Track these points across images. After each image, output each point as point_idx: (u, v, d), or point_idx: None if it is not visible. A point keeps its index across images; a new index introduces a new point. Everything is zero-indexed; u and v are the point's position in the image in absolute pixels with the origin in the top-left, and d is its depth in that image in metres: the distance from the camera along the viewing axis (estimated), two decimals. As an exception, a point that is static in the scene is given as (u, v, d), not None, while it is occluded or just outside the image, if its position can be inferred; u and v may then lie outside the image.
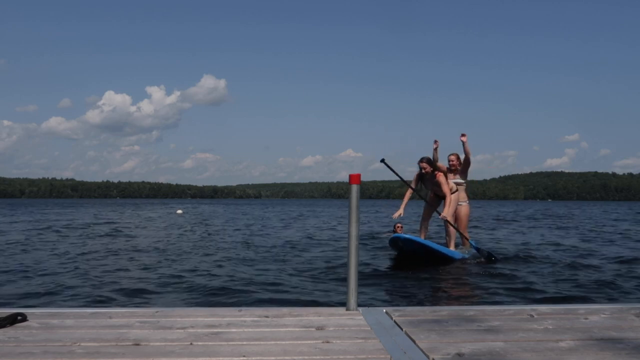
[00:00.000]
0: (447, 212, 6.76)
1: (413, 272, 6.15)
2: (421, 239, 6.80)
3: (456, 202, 7.19)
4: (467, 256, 6.91)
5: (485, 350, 1.86)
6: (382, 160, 6.93)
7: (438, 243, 7.13)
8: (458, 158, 7.56)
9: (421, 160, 6.98)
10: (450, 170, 7.59)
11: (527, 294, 4.80)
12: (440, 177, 6.88)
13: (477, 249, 7.07)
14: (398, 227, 10.62)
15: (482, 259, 6.78)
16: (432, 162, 6.94)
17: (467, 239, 7.51)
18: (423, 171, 6.99)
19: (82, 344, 1.93)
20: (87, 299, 4.67)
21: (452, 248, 6.97)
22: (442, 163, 7.70)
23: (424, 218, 7.40)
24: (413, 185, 7.10)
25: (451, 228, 7.11)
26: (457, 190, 7.20)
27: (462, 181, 7.53)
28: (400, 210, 6.94)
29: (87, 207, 41.68)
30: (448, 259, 6.67)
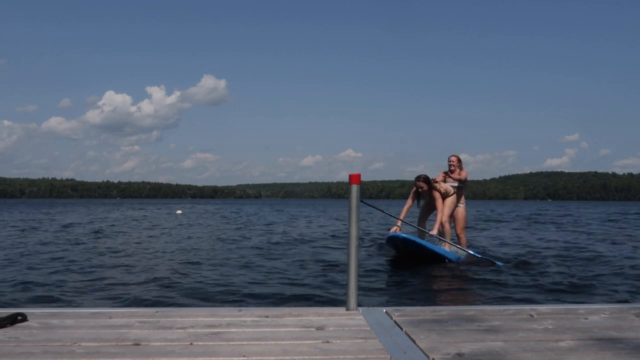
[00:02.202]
0: (436, 229, 6.89)
1: (412, 272, 6.16)
2: (418, 238, 6.84)
3: (453, 204, 7.23)
4: (462, 258, 6.91)
5: (485, 350, 1.86)
6: (362, 201, 7.46)
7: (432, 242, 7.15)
8: (459, 160, 7.58)
9: (418, 179, 7.11)
10: (450, 170, 7.60)
11: (527, 294, 4.80)
12: (436, 193, 7.03)
13: (474, 252, 7.08)
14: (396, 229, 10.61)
15: (479, 260, 6.76)
16: (429, 181, 7.07)
17: (463, 240, 7.53)
18: (420, 190, 7.14)
19: (82, 344, 1.93)
20: (87, 299, 4.66)
21: (447, 248, 6.96)
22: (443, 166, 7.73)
23: (422, 217, 7.45)
24: (410, 202, 7.31)
25: (447, 227, 7.13)
26: (454, 192, 7.24)
27: (461, 184, 7.54)
28: (397, 227, 7.07)
29: (84, 207, 41.70)
30: (443, 259, 6.70)
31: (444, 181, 7.59)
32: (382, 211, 7.63)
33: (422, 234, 7.38)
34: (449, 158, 7.63)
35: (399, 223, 7.13)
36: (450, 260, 6.69)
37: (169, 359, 1.76)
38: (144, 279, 5.67)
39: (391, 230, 7.19)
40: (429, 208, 7.40)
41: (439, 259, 6.69)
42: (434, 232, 6.87)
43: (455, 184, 7.51)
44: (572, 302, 4.49)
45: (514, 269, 6.22)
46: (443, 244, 7.01)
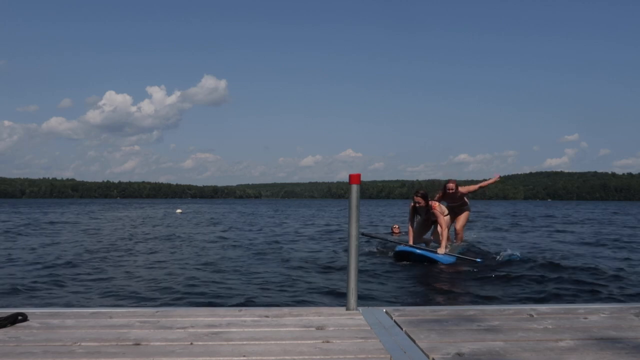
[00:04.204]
0: (444, 247, 6.77)
1: (412, 272, 6.16)
2: (412, 247, 6.81)
3: (449, 223, 7.28)
4: (453, 260, 6.87)
5: (485, 350, 1.86)
6: (362, 234, 7.51)
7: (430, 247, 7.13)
8: (457, 186, 7.56)
9: (416, 194, 7.04)
10: (448, 196, 7.58)
11: (527, 294, 4.80)
12: (436, 209, 6.94)
13: (466, 253, 7.08)
14: (395, 227, 10.63)
15: (470, 259, 6.72)
16: (426, 197, 7.00)
17: (460, 236, 7.64)
18: (417, 205, 7.05)
19: (83, 343, 1.93)
20: (88, 299, 4.67)
21: (442, 250, 6.87)
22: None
23: (417, 236, 7.32)
24: (410, 220, 7.20)
25: (445, 231, 7.10)
26: (448, 214, 7.22)
27: (459, 204, 7.66)
28: (397, 225, 7.05)
29: (86, 206, 41.69)
30: (437, 262, 6.69)
31: (442, 197, 7.61)
32: (384, 239, 7.63)
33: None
34: (445, 186, 7.54)
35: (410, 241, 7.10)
36: (443, 263, 6.69)
37: (169, 358, 1.76)
38: (144, 279, 5.68)
39: (393, 228, 7.24)
40: (424, 227, 7.35)
41: (434, 262, 6.69)
42: (442, 250, 6.74)
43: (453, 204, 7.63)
44: (572, 302, 4.49)
45: (514, 269, 6.22)
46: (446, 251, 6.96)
